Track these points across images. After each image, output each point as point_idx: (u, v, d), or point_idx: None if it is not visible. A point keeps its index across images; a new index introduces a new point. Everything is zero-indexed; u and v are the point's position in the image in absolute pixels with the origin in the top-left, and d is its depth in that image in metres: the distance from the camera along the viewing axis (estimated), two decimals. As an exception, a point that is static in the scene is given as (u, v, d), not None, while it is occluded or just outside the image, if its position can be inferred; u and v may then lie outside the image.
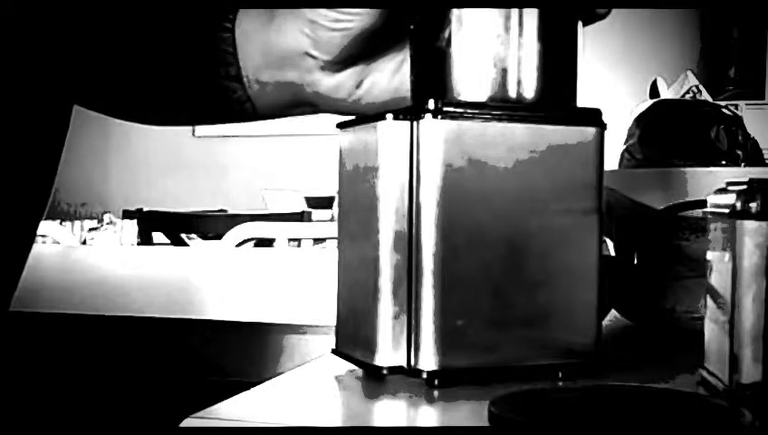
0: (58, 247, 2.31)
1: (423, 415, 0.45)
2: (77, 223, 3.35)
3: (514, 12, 0.49)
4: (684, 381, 0.48)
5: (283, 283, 1.33)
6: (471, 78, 0.49)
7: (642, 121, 1.00)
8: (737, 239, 0.42)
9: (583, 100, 0.51)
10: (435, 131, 0.46)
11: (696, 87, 1.08)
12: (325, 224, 2.80)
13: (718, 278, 0.45)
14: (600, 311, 0.49)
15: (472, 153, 0.47)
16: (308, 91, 0.60)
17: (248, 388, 0.46)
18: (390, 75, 0.60)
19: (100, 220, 3.33)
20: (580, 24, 0.51)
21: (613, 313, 0.69)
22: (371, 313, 0.47)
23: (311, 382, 0.50)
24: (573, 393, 0.43)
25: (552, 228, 0.48)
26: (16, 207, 0.62)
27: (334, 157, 0.53)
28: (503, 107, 0.48)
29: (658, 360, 0.58)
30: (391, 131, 0.47)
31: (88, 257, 1.89)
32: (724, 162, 0.96)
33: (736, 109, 1.44)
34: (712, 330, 0.46)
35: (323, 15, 0.56)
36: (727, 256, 0.43)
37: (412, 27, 0.52)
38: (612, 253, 0.69)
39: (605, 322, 0.56)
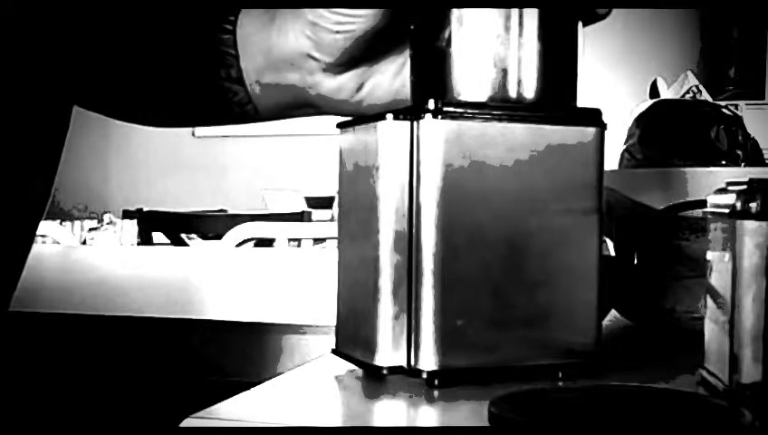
0: (58, 247, 2.31)
1: (423, 415, 0.45)
2: (77, 223, 3.35)
3: (514, 12, 0.49)
4: (684, 381, 0.48)
5: (283, 283, 1.33)
6: (471, 78, 0.49)
7: (642, 121, 1.00)
8: (737, 239, 0.42)
9: (583, 100, 0.51)
10: (435, 131, 0.46)
11: (696, 87, 1.08)
12: (325, 224, 2.80)
13: (718, 278, 0.45)
14: (600, 311, 0.49)
15: (472, 153, 0.47)
16: (309, 93, 0.60)
17: (248, 388, 0.46)
18: (392, 77, 0.60)
19: (100, 220, 3.33)
20: (580, 24, 0.51)
21: (613, 313, 0.69)
22: (371, 313, 0.47)
23: (311, 382, 0.50)
24: (573, 393, 0.43)
25: (552, 228, 0.48)
26: (16, 207, 0.62)
27: (334, 157, 0.53)
28: (503, 107, 0.48)
29: (658, 360, 0.58)
30: (391, 131, 0.47)
31: (88, 257, 1.89)
32: (724, 162, 0.96)
33: (736, 109, 1.44)
34: (712, 330, 0.46)
35: (325, 17, 0.56)
36: (727, 256, 0.43)
37: (412, 27, 0.52)
38: (612, 253, 0.69)
39: (605, 322, 0.56)
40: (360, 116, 0.50)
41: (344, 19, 0.56)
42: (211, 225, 3.01)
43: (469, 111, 0.47)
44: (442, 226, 0.46)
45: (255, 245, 2.32)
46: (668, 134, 0.98)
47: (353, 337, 0.50)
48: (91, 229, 3.24)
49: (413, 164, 0.47)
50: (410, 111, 0.47)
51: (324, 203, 3.70)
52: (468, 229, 0.46)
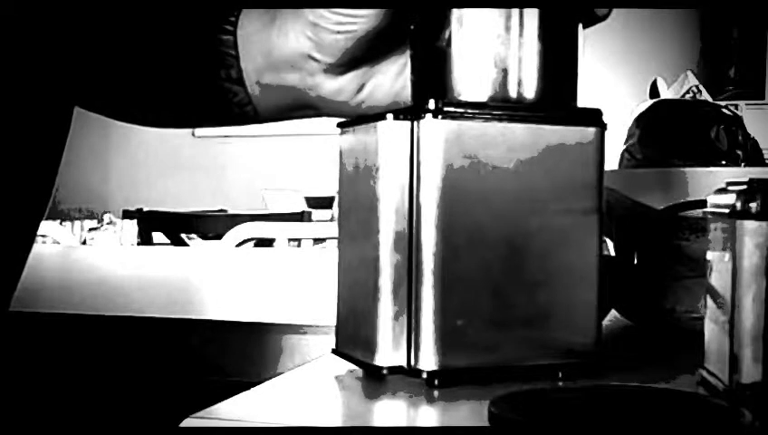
0: (58, 247, 2.31)
1: (423, 415, 0.45)
2: (77, 223, 3.35)
3: (515, 12, 0.49)
4: (684, 381, 0.48)
5: (283, 283, 1.33)
6: (471, 78, 0.49)
7: (642, 121, 1.00)
8: (737, 239, 0.42)
9: (583, 100, 0.51)
10: (435, 131, 0.46)
11: (696, 87, 1.08)
12: (325, 224, 2.80)
13: (718, 278, 0.45)
14: (600, 311, 0.49)
15: (472, 153, 0.47)
16: (309, 95, 0.60)
17: (248, 388, 0.46)
18: (393, 79, 0.60)
19: (100, 220, 3.33)
20: (580, 24, 0.51)
21: (613, 313, 0.69)
22: (371, 313, 0.47)
23: (311, 382, 0.50)
24: (573, 393, 0.43)
25: (552, 228, 0.48)
26: (17, 207, 0.62)
27: (334, 157, 0.53)
28: (503, 107, 0.48)
29: (658, 360, 0.58)
30: (391, 131, 0.47)
31: (88, 257, 1.89)
32: (724, 162, 0.96)
33: (736, 109, 1.44)
34: (712, 330, 0.46)
35: (326, 18, 0.56)
36: (727, 256, 0.43)
37: (412, 27, 0.52)
38: (612, 253, 0.69)
39: (605, 322, 0.56)
40: (359, 116, 0.50)
41: (345, 19, 0.55)
42: (211, 225, 3.01)
43: (469, 111, 0.47)
44: (442, 226, 0.46)
45: (255, 245, 2.32)
46: (668, 134, 0.98)
47: (353, 337, 0.50)
48: (91, 229, 3.24)
49: (413, 164, 0.47)
50: (410, 111, 0.47)
51: (324, 203, 3.70)
52: (468, 229, 0.46)
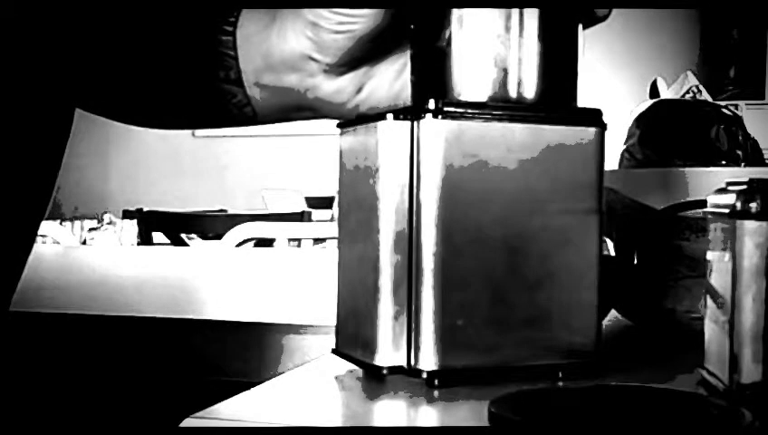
0: (58, 247, 2.31)
1: (423, 415, 0.45)
2: (77, 223, 3.35)
3: (515, 12, 0.49)
4: (684, 381, 0.48)
5: (283, 283, 1.33)
6: (471, 78, 0.49)
7: (642, 121, 1.00)
8: (737, 239, 0.42)
9: (583, 100, 0.51)
10: (435, 131, 0.46)
11: (696, 87, 1.08)
12: (325, 224, 2.80)
13: (718, 278, 0.45)
14: (600, 311, 0.49)
15: (472, 153, 0.47)
16: (308, 97, 0.60)
17: (248, 388, 0.46)
18: (392, 80, 0.60)
19: (100, 220, 3.33)
20: (580, 25, 0.51)
21: (613, 313, 0.69)
22: (371, 313, 0.47)
23: (311, 382, 0.50)
24: (573, 393, 0.43)
25: (552, 228, 0.48)
26: (17, 208, 0.62)
27: (334, 157, 0.53)
28: (503, 107, 0.48)
29: (658, 360, 0.58)
30: (391, 131, 0.47)
31: (88, 257, 1.89)
32: (724, 162, 0.96)
33: (736, 109, 1.44)
34: (712, 330, 0.46)
35: (326, 18, 0.56)
36: (727, 256, 0.43)
37: (412, 27, 0.52)
38: (612, 253, 0.69)
39: (605, 322, 0.56)
40: (359, 116, 0.50)
41: (345, 19, 0.55)
42: (211, 225, 3.01)
43: (469, 111, 0.47)
44: (442, 226, 0.46)
45: (255, 245, 2.32)
46: (668, 134, 0.98)
47: (353, 337, 0.50)
48: (91, 229, 3.24)
49: (413, 164, 0.47)
50: (410, 111, 0.47)
51: (324, 203, 3.70)
52: (468, 229, 0.46)
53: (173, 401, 0.85)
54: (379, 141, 0.47)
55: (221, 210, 3.80)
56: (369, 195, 0.47)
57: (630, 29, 4.50)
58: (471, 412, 0.43)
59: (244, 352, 0.83)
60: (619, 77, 4.50)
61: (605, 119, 0.49)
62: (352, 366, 0.50)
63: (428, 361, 0.46)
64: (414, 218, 0.46)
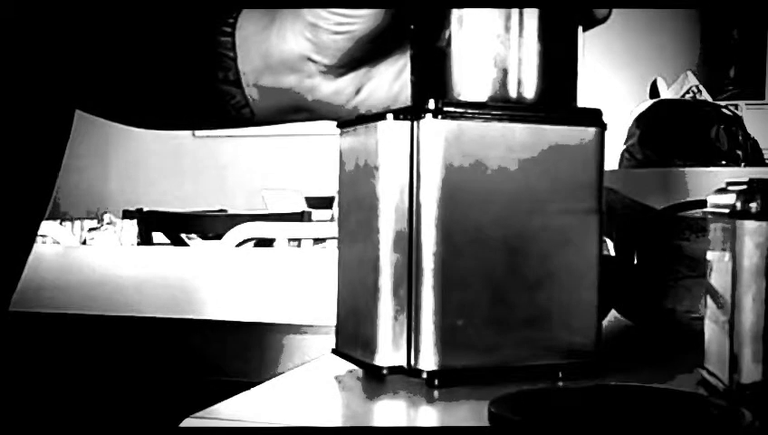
0: (58, 247, 2.31)
1: (423, 415, 0.45)
2: (77, 223, 3.35)
3: (515, 12, 0.49)
4: (684, 381, 0.48)
5: (283, 283, 1.33)
6: (471, 78, 0.49)
7: (642, 121, 1.00)
8: (737, 239, 0.42)
9: (583, 100, 0.51)
10: (435, 131, 0.46)
11: (696, 87, 1.09)
12: (325, 224, 2.80)
13: (718, 278, 0.45)
14: (600, 311, 0.49)
15: (472, 153, 0.47)
16: (307, 97, 0.60)
17: (248, 388, 0.46)
18: (391, 81, 0.60)
19: (100, 220, 3.33)
20: (580, 26, 0.51)
21: (613, 313, 0.69)
22: (371, 313, 0.47)
23: (311, 382, 0.50)
24: (573, 393, 0.43)
25: (552, 228, 0.48)
26: (17, 208, 0.62)
27: (334, 157, 0.53)
28: (503, 107, 0.48)
29: (658, 360, 0.58)
30: (391, 131, 0.47)
31: (88, 257, 1.89)
32: (724, 162, 0.96)
33: (736, 109, 1.44)
34: (712, 330, 0.46)
35: (325, 18, 0.56)
36: (727, 256, 0.43)
37: (412, 27, 0.52)
38: (612, 253, 0.69)
39: (605, 322, 0.56)
40: (359, 116, 0.50)
41: (344, 20, 0.55)
42: (211, 225, 3.01)
43: (469, 111, 0.47)
44: (442, 226, 0.46)
45: (255, 245, 2.32)
46: (668, 134, 0.99)
47: (353, 337, 0.50)
48: (90, 229, 3.24)
49: (413, 164, 0.47)
50: (410, 111, 0.47)
51: (324, 203, 3.71)
52: (468, 229, 0.46)
53: (173, 401, 0.85)
54: (379, 141, 0.47)
55: (221, 210, 3.80)
56: (369, 195, 0.47)
57: (630, 29, 4.51)
58: (471, 412, 0.43)
59: (244, 352, 0.83)
60: (619, 77, 4.50)
61: (605, 119, 0.49)
62: (352, 366, 0.50)
63: (428, 361, 0.46)
64: (414, 218, 0.46)
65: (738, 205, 0.42)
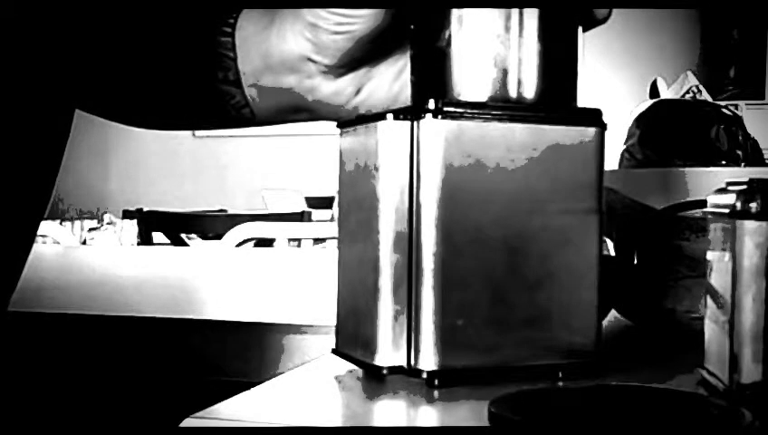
0: (58, 247, 2.31)
1: (423, 415, 0.45)
2: (77, 223, 3.35)
3: (515, 12, 0.49)
4: (684, 381, 0.48)
5: (283, 283, 1.33)
6: (471, 78, 0.49)
7: (642, 121, 1.00)
8: (737, 239, 0.42)
9: (583, 100, 0.51)
10: (435, 131, 0.46)
11: (696, 87, 1.09)
12: (325, 224, 2.80)
13: (718, 278, 0.45)
14: (600, 311, 0.49)
15: (472, 153, 0.47)
16: (306, 98, 0.60)
17: (248, 388, 0.46)
18: (391, 81, 0.60)
19: (100, 220, 3.33)
20: (580, 26, 0.51)
21: (613, 313, 0.69)
22: (371, 313, 0.47)
23: (311, 382, 0.50)
24: (573, 393, 0.43)
25: (552, 228, 0.48)
26: (17, 208, 0.62)
27: (334, 157, 0.53)
28: (503, 107, 0.48)
29: (658, 360, 0.58)
30: (391, 131, 0.47)
31: (88, 257, 1.89)
32: (724, 162, 0.96)
33: (736, 109, 1.44)
34: (712, 330, 0.46)
35: (325, 18, 0.56)
36: (727, 256, 0.43)
37: (412, 27, 0.52)
38: (612, 253, 0.69)
39: (605, 322, 0.56)
40: (359, 116, 0.50)
41: (344, 20, 0.55)
42: (211, 225, 3.01)
43: (469, 111, 0.47)
44: (442, 226, 0.46)
45: (255, 245, 2.32)
46: (668, 134, 0.99)
47: (353, 337, 0.50)
48: (91, 229, 3.24)
49: (413, 164, 0.47)
50: (410, 111, 0.47)
51: (324, 203, 3.71)
52: (468, 229, 0.46)
53: (173, 401, 0.85)
54: (379, 141, 0.47)
55: (221, 210, 3.80)
56: (369, 195, 0.47)
57: (630, 29, 4.51)
58: (471, 412, 0.43)
59: (244, 352, 0.83)
60: (619, 77, 4.50)
61: (605, 119, 0.49)
62: (352, 366, 0.50)
63: (428, 361, 0.46)
64: (414, 218, 0.46)
65: (738, 205, 0.42)
